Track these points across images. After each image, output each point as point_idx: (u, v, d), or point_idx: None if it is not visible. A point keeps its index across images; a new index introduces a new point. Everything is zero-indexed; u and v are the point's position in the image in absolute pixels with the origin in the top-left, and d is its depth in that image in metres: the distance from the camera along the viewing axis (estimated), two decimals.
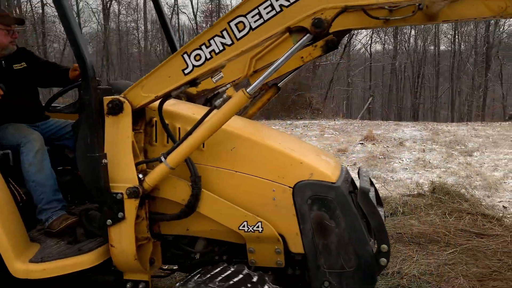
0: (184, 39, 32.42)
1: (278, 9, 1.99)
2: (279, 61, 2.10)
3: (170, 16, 33.08)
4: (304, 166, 2.32)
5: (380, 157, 9.16)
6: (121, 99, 2.27)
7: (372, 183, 2.83)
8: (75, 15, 28.43)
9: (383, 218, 2.55)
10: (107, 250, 2.40)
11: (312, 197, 2.26)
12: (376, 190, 2.81)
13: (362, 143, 11.01)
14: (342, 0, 1.91)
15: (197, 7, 34.30)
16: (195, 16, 32.50)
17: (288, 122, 18.43)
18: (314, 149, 2.98)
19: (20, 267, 2.30)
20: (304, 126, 16.31)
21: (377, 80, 37.32)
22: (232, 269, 2.15)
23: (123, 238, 2.33)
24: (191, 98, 2.92)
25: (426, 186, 6.10)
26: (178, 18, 34.95)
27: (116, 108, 2.27)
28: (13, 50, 2.96)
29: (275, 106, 21.98)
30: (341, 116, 21.65)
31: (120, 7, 33.77)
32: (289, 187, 2.28)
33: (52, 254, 2.40)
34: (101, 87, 2.40)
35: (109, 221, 2.32)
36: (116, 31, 33.15)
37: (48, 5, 26.98)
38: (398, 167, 8.19)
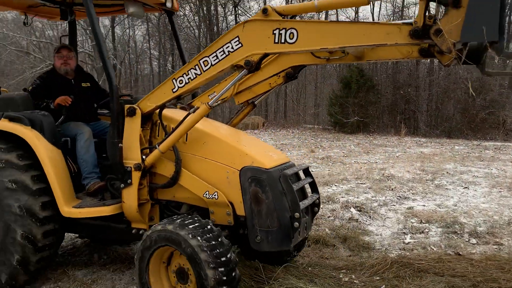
0: None
1: (227, 53, 3.14)
2: (227, 86, 3.36)
3: None
4: (248, 156, 3.40)
5: None
6: (135, 106, 3.54)
7: (310, 175, 3.90)
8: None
9: (310, 198, 3.70)
10: (121, 205, 3.62)
11: (251, 177, 3.31)
12: (313, 181, 3.90)
13: None
14: (263, 49, 3.03)
15: (378, 18, 33.49)
16: None
17: (475, 142, 16.59)
18: (265, 147, 3.97)
19: (66, 210, 3.64)
20: (495, 148, 14.48)
21: None
22: (203, 221, 3.23)
23: (130, 197, 3.57)
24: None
25: None
26: None
27: (132, 113, 3.54)
28: (68, 70, 4.36)
29: (458, 124, 20.06)
30: None
31: None
32: (237, 170, 3.37)
33: (87, 205, 3.72)
34: (124, 98, 3.76)
35: (122, 185, 3.58)
36: None
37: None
38: None
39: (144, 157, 3.52)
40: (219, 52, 3.16)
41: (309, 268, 4.16)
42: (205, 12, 29.02)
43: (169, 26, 28.75)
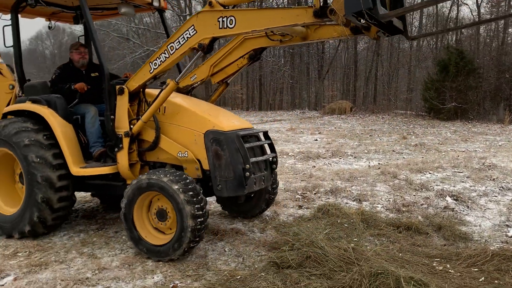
0: (459, 32, 29.74)
1: (186, 39, 3.94)
2: (188, 65, 4.21)
3: (450, 8, 30.76)
4: (211, 122, 4.23)
5: None
6: (123, 86, 4.42)
7: (269, 138, 4.76)
8: None
9: (267, 155, 4.58)
10: (117, 166, 4.54)
11: (213, 138, 4.12)
12: (271, 143, 4.78)
13: None
14: (211, 34, 3.80)
15: None
16: (478, 6, 29.29)
17: None
18: (230, 116, 4.72)
19: (75, 170, 4.56)
20: None
21: None
22: (178, 172, 4.07)
23: (122, 158, 4.48)
24: (180, 90, 5.03)
25: None
26: (458, 11, 32.12)
27: (121, 91, 4.43)
28: (85, 63, 5.27)
29: None
30: None
31: None
32: (202, 133, 4.20)
33: (92, 166, 4.64)
34: (116, 80, 4.61)
35: (116, 149, 4.49)
36: None
37: None
38: None
39: (132, 126, 4.41)
40: (181, 38, 3.97)
41: (400, 254, 4.04)
42: None
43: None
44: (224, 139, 4.08)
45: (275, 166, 4.69)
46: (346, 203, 6.04)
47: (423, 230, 4.79)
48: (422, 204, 5.90)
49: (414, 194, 6.48)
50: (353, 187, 6.91)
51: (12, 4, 5.02)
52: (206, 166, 4.21)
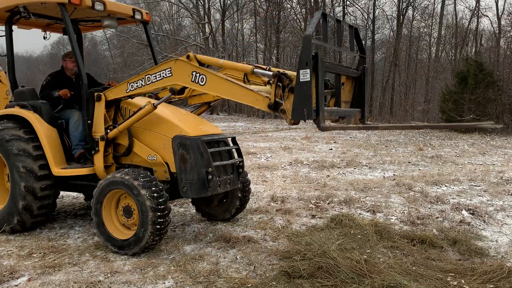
0: (479, 44, 29.35)
1: (162, 77, 4.36)
2: (165, 97, 4.59)
3: (469, 19, 30.47)
4: (179, 128, 4.52)
5: None
6: (101, 94, 4.79)
7: (236, 144, 5.07)
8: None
9: (232, 160, 4.84)
10: (94, 168, 4.92)
11: (179, 143, 4.42)
12: (239, 148, 5.08)
13: None
14: (183, 83, 4.28)
15: (503, 8, 30.33)
16: (498, 18, 28.94)
17: None
18: (201, 122, 4.94)
19: (56, 170, 4.88)
20: None
21: None
22: (146, 173, 4.40)
23: (98, 160, 4.87)
24: (158, 99, 5.19)
25: None
26: (477, 22, 31.78)
27: (99, 98, 4.80)
28: (76, 71, 5.42)
29: None
30: None
31: (415, 13, 33.35)
32: (170, 138, 4.51)
33: (72, 167, 4.97)
34: (96, 88, 4.95)
35: (93, 152, 4.89)
36: (407, 37, 32.99)
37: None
38: None
39: (108, 131, 4.79)
40: (158, 74, 4.36)
41: (413, 267, 3.98)
42: (312, 3, 28.86)
43: (276, 20, 29.17)
44: (190, 144, 4.37)
45: (241, 170, 4.97)
46: (359, 214, 5.99)
47: (438, 244, 4.71)
48: (437, 217, 5.81)
49: (429, 206, 6.39)
50: (367, 198, 6.85)
51: (7, 17, 5.28)
52: (173, 169, 4.50)
